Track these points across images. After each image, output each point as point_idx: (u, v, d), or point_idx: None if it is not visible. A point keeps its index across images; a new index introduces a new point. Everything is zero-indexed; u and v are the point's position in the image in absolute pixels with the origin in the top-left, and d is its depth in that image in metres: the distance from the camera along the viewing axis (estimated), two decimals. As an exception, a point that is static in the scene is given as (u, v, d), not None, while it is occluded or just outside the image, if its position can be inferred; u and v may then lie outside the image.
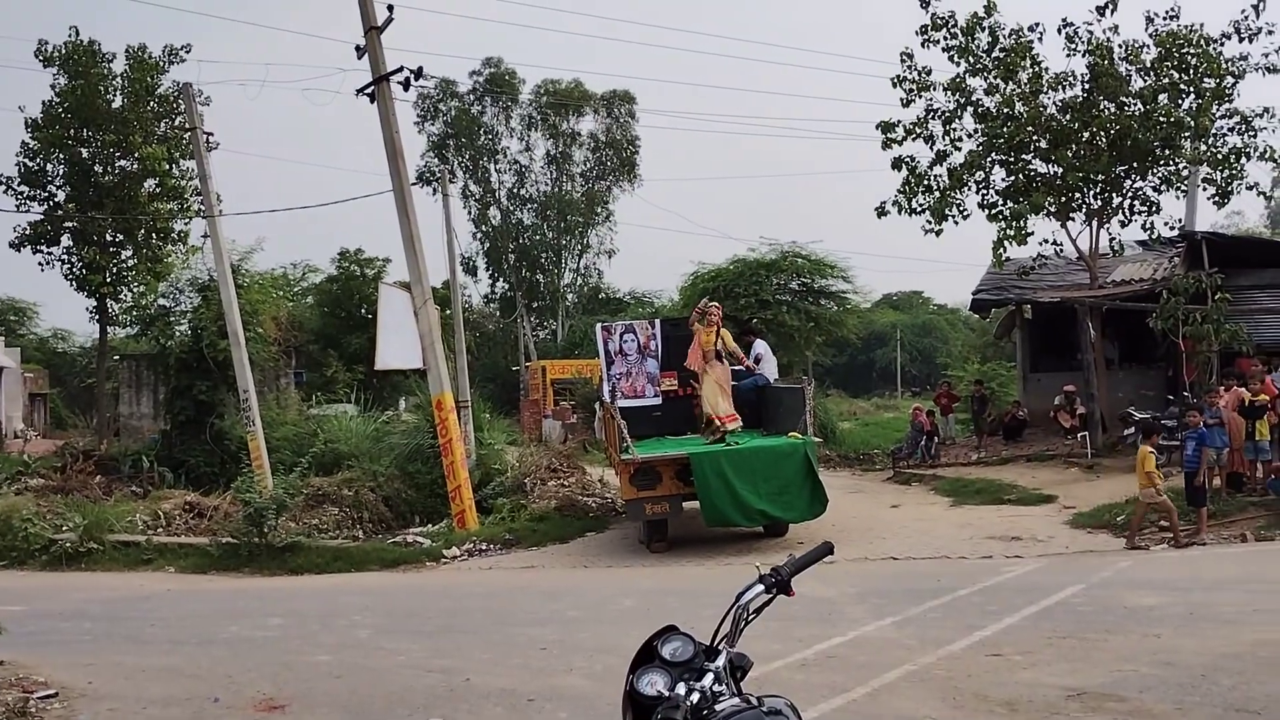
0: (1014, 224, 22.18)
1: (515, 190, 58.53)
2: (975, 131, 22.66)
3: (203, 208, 25.36)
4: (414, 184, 23.05)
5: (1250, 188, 22.04)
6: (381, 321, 22.85)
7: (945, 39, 22.25)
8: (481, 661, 8.96)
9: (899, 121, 22.95)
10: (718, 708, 2.85)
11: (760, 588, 3.23)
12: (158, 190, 30.24)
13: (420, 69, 18.35)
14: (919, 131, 22.89)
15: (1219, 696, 6.55)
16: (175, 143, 29.52)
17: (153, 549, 17.03)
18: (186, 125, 25.45)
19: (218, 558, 16.47)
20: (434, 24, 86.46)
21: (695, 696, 2.86)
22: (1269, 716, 6.09)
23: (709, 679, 2.94)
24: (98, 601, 13.52)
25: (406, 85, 18.40)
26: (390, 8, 18.06)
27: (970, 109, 22.50)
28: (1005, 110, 21.96)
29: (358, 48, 18.47)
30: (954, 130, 22.89)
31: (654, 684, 2.95)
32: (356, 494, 19.41)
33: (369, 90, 18.34)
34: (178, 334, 30.18)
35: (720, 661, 3.01)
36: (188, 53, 30.13)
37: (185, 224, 30.98)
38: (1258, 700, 6.39)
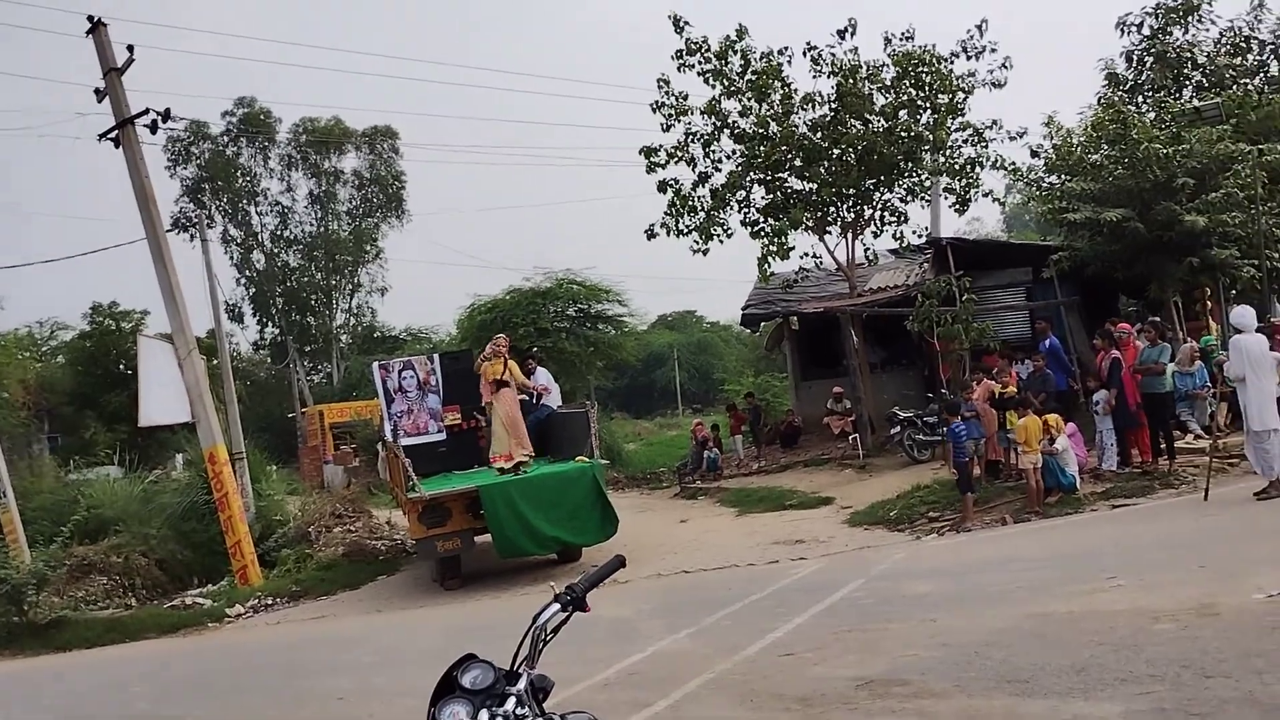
0: (776, 240, 22.99)
1: (279, 232, 56.85)
2: (734, 152, 23.43)
3: (-69, 267, 23.50)
4: (170, 230, 22.12)
5: (986, 194, 23.78)
6: (143, 375, 21.63)
7: (700, 63, 22.93)
8: (275, 719, 8.62)
9: (661, 146, 23.53)
10: (521, 731, 2.85)
11: (556, 606, 3.25)
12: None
13: (168, 110, 17.65)
14: (680, 155, 23.49)
15: (992, 670, 6.97)
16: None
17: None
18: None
19: (-28, 643, 15.22)
20: (181, 64, 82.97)
21: (498, 722, 2.85)
22: (1037, 684, 6.52)
23: (511, 703, 2.93)
24: None
25: (154, 128, 17.69)
26: (130, 48, 17.33)
27: (727, 131, 23.26)
28: (760, 131, 22.80)
29: (97, 90, 17.60)
30: (714, 152, 23.61)
31: (456, 715, 2.92)
32: (126, 560, 18.25)
33: (113, 134, 17.48)
34: (-89, 405, 27.84)
35: (521, 685, 3.01)
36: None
37: (-87, 285, 28.59)
38: (1026, 670, 6.83)
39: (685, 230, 23.68)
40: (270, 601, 16.32)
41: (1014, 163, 23.30)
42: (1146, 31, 28.41)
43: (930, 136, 22.42)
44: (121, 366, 35.45)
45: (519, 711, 2.92)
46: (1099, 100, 24.93)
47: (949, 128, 22.62)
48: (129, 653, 14.13)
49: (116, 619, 15.84)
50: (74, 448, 33.82)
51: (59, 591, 16.46)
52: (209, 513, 18.48)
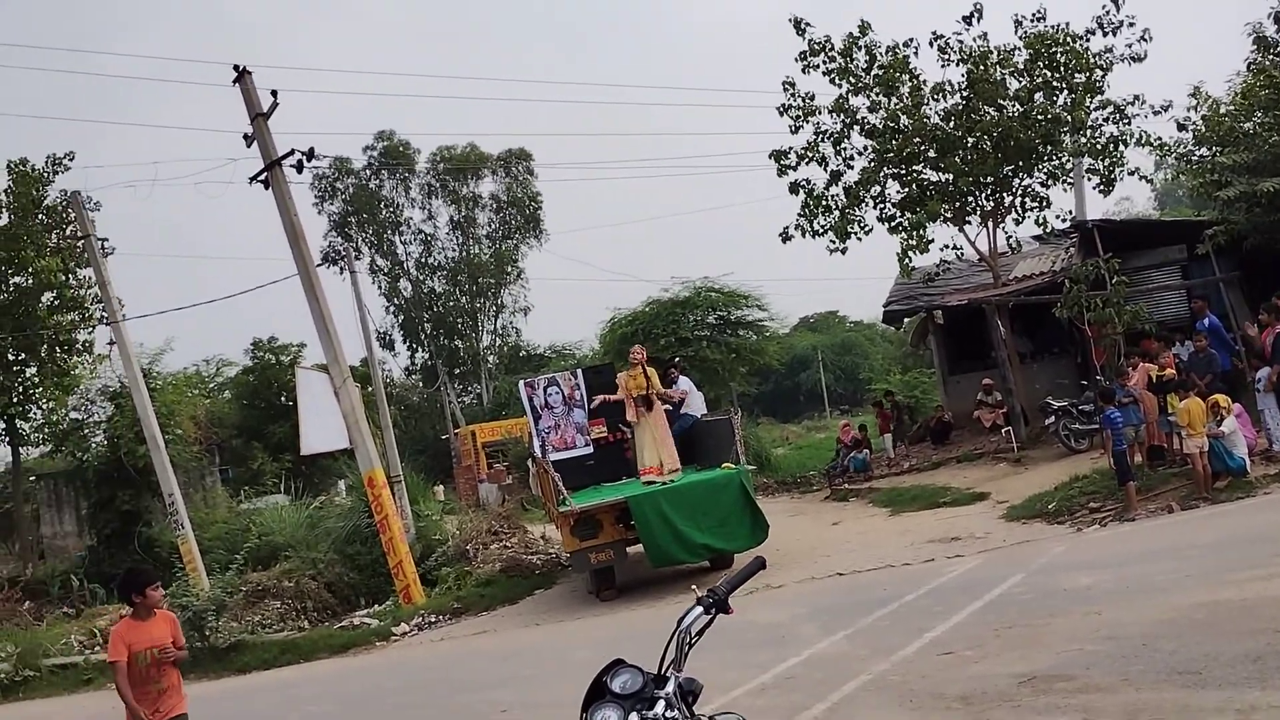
0: (914, 233, 22.64)
1: (423, 259, 58.50)
2: (865, 149, 23.18)
3: (105, 314, 24.91)
4: (319, 264, 23.03)
5: (1132, 173, 22.89)
6: (302, 406, 22.61)
7: (824, 63, 22.79)
8: (443, 732, 8.89)
9: (790, 148, 23.43)
10: (670, 733, 2.91)
11: (700, 609, 3.30)
12: (56, 302, 29.55)
13: (312, 150, 18.37)
14: (810, 155, 23.35)
15: (1161, 662, 6.75)
16: (69, 252, 28.93)
17: (92, 668, 16.51)
18: (79, 234, 25.01)
19: (161, 667, 16.04)
20: (321, 104, 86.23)
21: (648, 725, 2.91)
22: (1209, 675, 6.28)
23: (660, 706, 2.99)
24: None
25: (300, 168, 18.41)
26: (274, 93, 18.10)
27: (857, 127, 23.04)
28: (891, 125, 22.53)
29: (245, 136, 18.44)
30: (844, 150, 23.40)
31: (607, 719, 3.00)
32: (297, 584, 19.03)
33: (262, 177, 18.28)
34: (94, 446, 29.52)
35: (670, 688, 3.06)
36: (71, 160, 29.59)
37: (89, 333, 30.29)
38: (1198, 661, 6.59)
39: (820, 231, 23.51)
40: (433, 619, 16.77)
41: (1160, 138, 22.43)
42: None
43: (1069, 117, 21.76)
44: (283, 398, 36.98)
45: (668, 714, 2.98)
46: (1248, 66, 23.78)
47: (1088, 107, 21.93)
48: (304, 673, 14.73)
49: (291, 641, 16.51)
50: (243, 478, 35.43)
51: (236, 616, 17.25)
52: (371, 535, 19.11)
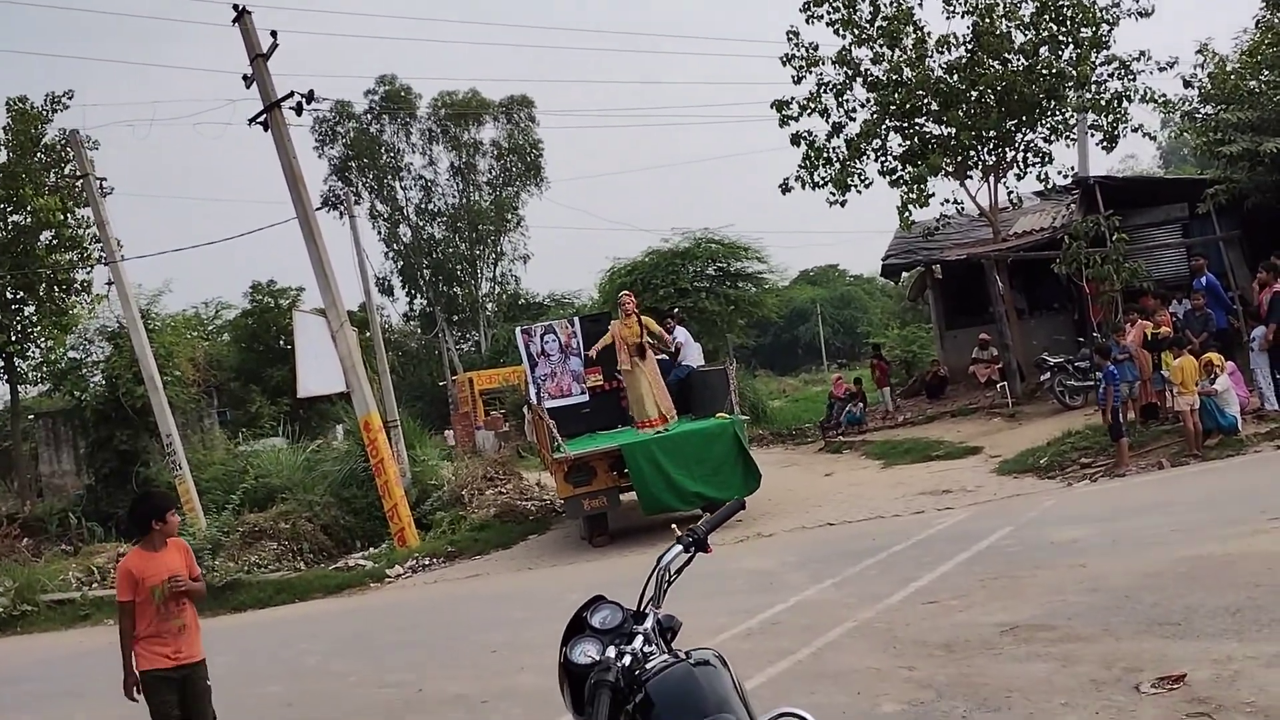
0: (915, 187, 22.58)
1: (423, 205, 58.26)
2: (868, 101, 23.05)
3: (103, 255, 24.87)
4: (319, 209, 22.94)
5: (1135, 129, 22.74)
6: (300, 349, 22.66)
7: (828, 13, 22.59)
8: (433, 671, 9.01)
9: (792, 99, 23.28)
10: (648, 666, 2.96)
11: (679, 548, 3.34)
12: (55, 242, 29.49)
13: (311, 92, 18.25)
14: (813, 106, 23.21)
15: (1142, 614, 6.83)
16: (68, 191, 28.80)
17: (89, 604, 16.69)
18: (78, 173, 24.90)
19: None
20: (322, 46, 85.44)
21: (626, 659, 2.95)
22: (1188, 626, 6.36)
23: (639, 641, 3.04)
24: (36, 663, 13.27)
25: (299, 110, 18.28)
26: (274, 34, 17.95)
27: (860, 79, 22.89)
28: (894, 77, 22.38)
29: (245, 77, 18.30)
30: (847, 102, 23.28)
31: (586, 652, 3.05)
32: (293, 526, 19.16)
33: (261, 119, 18.18)
34: (92, 385, 29.56)
35: (648, 624, 3.11)
36: (70, 99, 29.40)
37: (87, 273, 30.27)
38: (1178, 613, 6.67)
39: (821, 182, 23.42)
40: (427, 562, 16.92)
41: (1164, 95, 22.27)
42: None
43: (1074, 72, 21.61)
44: (281, 342, 36.94)
45: (646, 649, 3.03)
46: (1256, 24, 23.57)
47: (1093, 62, 21.77)
48: (298, 612, 14.88)
49: (286, 581, 16.67)
50: (241, 421, 35.50)
51: (233, 556, 17.38)
52: (368, 479, 19.23)
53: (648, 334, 16.02)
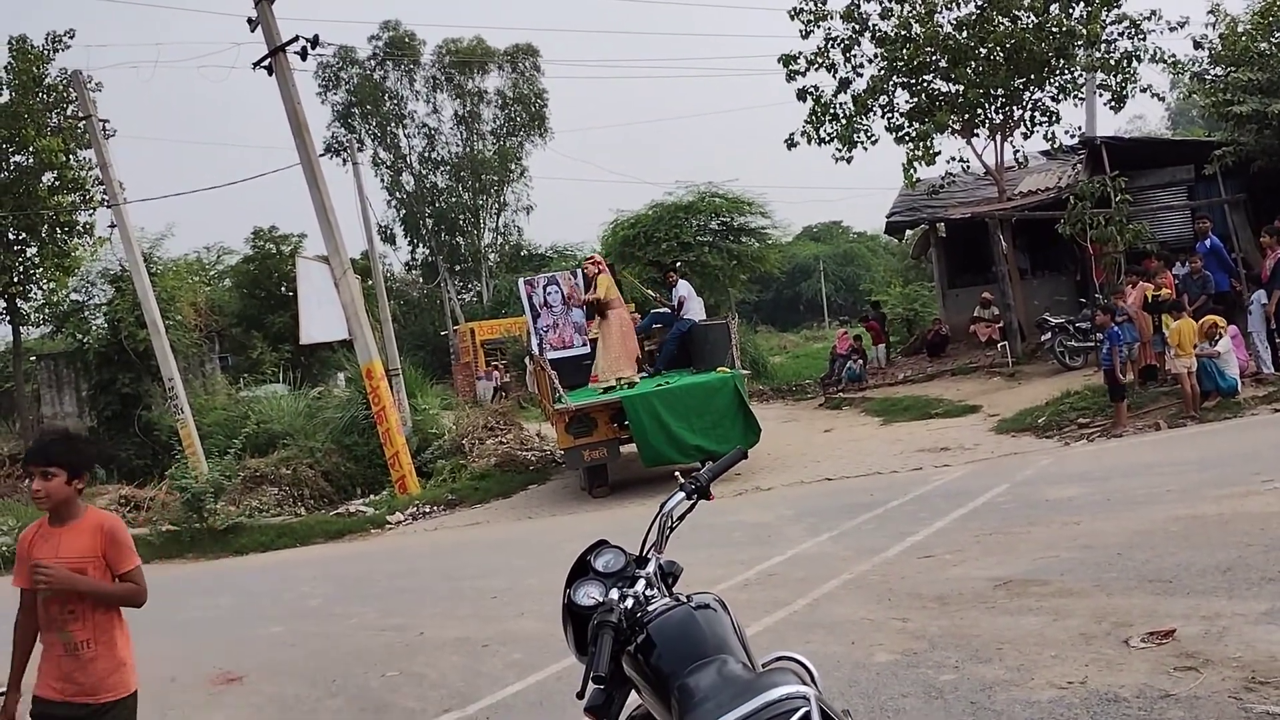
0: (921, 144, 22.50)
1: (426, 154, 57.93)
2: (875, 56, 22.91)
3: (105, 197, 24.84)
4: (322, 155, 22.86)
5: (1144, 90, 22.59)
6: (302, 296, 22.72)
7: (838, -34, 22.40)
8: (434, 616, 9.13)
9: (800, 53, 23.14)
10: (649, 608, 3.03)
11: (681, 495, 3.40)
12: (57, 183, 29.34)
13: (316, 37, 18.20)
14: (820, 61, 23.08)
15: (1134, 570, 6.93)
16: (70, 133, 28.65)
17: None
18: (80, 114, 24.79)
19: (160, 546, 16.36)
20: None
21: (629, 601, 3.02)
22: (1179, 583, 6.46)
23: (641, 585, 3.10)
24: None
25: (304, 55, 18.23)
26: (279, -25, 17.84)
27: (868, 34, 22.74)
28: (902, 33, 22.21)
29: (249, 20, 18.22)
30: (855, 57, 23.15)
31: (589, 594, 3.12)
32: (294, 471, 19.35)
33: (266, 63, 18.11)
34: (94, 328, 29.69)
35: (651, 568, 3.18)
36: (72, 39, 29.10)
37: (90, 215, 30.19)
38: (1169, 570, 6.76)
39: (827, 138, 23.34)
40: (428, 509, 17.08)
41: (1174, 55, 22.11)
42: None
43: (1084, 31, 21.42)
44: (283, 288, 36.99)
45: (648, 592, 3.09)
46: (1269, -17, 23.35)
47: (1103, 20, 21.58)
48: (299, 556, 15.05)
49: (287, 525, 16.85)
50: (243, 366, 35.64)
51: (234, 500, 17.58)
52: (369, 427, 19.36)
53: (599, 295, 16.35)
